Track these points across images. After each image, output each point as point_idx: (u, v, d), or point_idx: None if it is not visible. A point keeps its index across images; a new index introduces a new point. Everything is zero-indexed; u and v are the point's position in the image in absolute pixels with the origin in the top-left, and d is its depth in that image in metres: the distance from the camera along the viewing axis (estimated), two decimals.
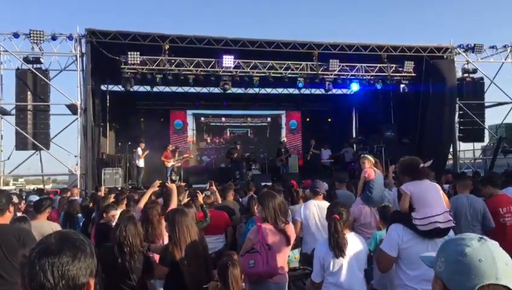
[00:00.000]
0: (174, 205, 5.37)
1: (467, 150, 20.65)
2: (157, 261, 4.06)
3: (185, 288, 3.80)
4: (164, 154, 16.01)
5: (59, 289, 1.40)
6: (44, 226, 5.13)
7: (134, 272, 3.86)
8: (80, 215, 8.06)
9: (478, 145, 20.86)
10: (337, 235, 3.62)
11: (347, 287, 3.62)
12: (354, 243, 3.72)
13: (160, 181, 6.32)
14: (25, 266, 1.45)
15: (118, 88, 18.83)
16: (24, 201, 9.42)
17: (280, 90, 22.15)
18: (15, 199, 7.70)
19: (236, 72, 15.95)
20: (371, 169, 6.07)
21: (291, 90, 21.84)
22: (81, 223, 7.87)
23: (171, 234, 3.93)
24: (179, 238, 3.87)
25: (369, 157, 6.39)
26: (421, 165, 3.62)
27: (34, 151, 15.13)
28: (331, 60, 16.12)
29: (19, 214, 7.08)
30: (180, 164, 16.58)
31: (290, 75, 16.50)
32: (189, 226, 3.97)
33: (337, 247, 3.60)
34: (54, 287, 1.39)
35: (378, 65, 16.75)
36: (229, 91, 17.14)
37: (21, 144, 14.71)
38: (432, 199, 3.51)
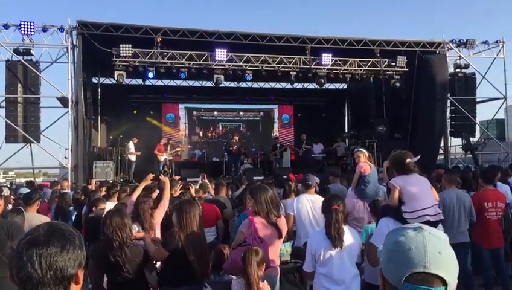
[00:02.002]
0: (166, 198, 5.36)
1: (458, 145, 20.80)
2: (160, 245, 4.07)
3: (183, 276, 3.82)
4: (157, 147, 15.95)
5: (47, 280, 1.38)
6: (34, 219, 5.10)
7: (127, 263, 3.85)
8: (71, 208, 8.01)
9: None
10: (337, 225, 3.65)
11: (337, 278, 3.65)
12: (347, 236, 3.74)
13: (154, 175, 6.31)
14: (12, 257, 1.43)
15: (110, 81, 18.70)
16: (14, 194, 9.35)
17: (273, 84, 22.12)
18: (5, 192, 7.67)
19: (229, 65, 15.88)
20: (366, 163, 6.07)
21: (284, 85, 21.83)
22: (73, 217, 7.82)
23: (178, 222, 3.95)
24: (185, 225, 3.90)
25: (364, 151, 6.40)
26: (408, 160, 3.63)
27: (24, 144, 15.00)
28: (323, 54, 16.09)
29: (10, 207, 7.05)
30: (172, 157, 16.53)
31: (282, 69, 16.47)
32: (196, 216, 4.02)
33: (338, 237, 3.62)
34: (42, 278, 1.38)
35: (371, 60, 16.76)
36: (221, 85, 17.08)
37: (11, 136, 14.59)
38: (421, 192, 3.53)
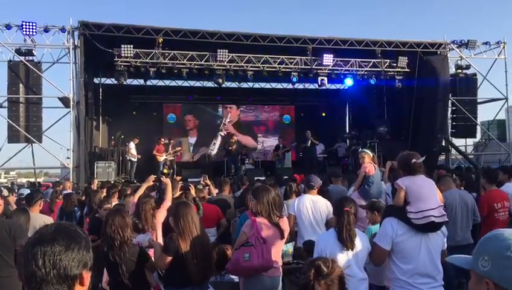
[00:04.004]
0: (169, 199, 5.38)
1: (459, 146, 20.84)
2: (161, 251, 4.07)
3: (186, 278, 3.81)
4: (156, 148, 15.90)
5: (49, 279, 1.39)
6: (37, 219, 5.11)
7: (124, 263, 3.87)
8: (76, 208, 8.00)
9: (470, 141, 21.05)
10: (349, 227, 3.63)
11: None
12: (357, 239, 3.72)
13: (155, 176, 6.33)
14: (20, 255, 1.45)
15: (111, 81, 18.71)
16: (16, 194, 9.36)
17: (274, 85, 22.13)
18: (5, 192, 7.68)
19: (230, 66, 15.88)
20: (370, 164, 6.07)
21: (285, 85, 21.83)
22: (77, 216, 7.81)
23: (176, 226, 3.95)
24: (183, 230, 3.89)
25: (368, 152, 6.41)
26: (413, 160, 3.64)
27: (26, 144, 15.05)
28: (325, 55, 16.09)
29: (13, 207, 7.05)
30: (173, 157, 16.51)
31: (284, 70, 16.47)
32: (194, 218, 4.00)
33: (350, 239, 3.61)
34: (45, 276, 1.38)
35: (372, 60, 16.75)
36: (222, 85, 17.09)
37: (13, 136, 14.63)
38: (427, 193, 3.53)
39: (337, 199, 4.41)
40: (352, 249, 3.62)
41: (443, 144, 17.41)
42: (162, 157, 15.81)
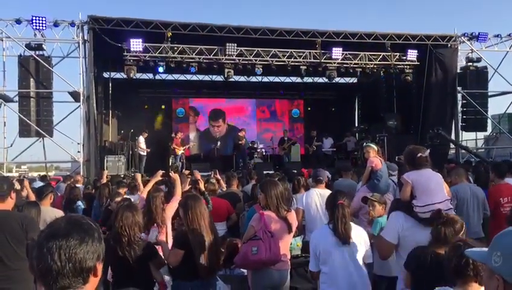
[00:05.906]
0: (178, 194, 5.40)
1: (470, 140, 20.63)
2: (172, 246, 4.09)
3: (194, 271, 3.84)
4: (175, 141, 16.16)
5: (66, 272, 1.42)
6: (48, 212, 5.16)
7: (134, 260, 3.90)
8: (79, 202, 8.08)
9: (481, 135, 20.83)
10: (344, 220, 3.60)
11: (339, 278, 3.58)
12: (354, 233, 3.70)
13: (163, 171, 6.37)
14: (33, 249, 1.48)
15: (121, 75, 18.80)
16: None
17: (283, 79, 22.08)
18: (17, 186, 7.76)
19: (239, 60, 15.87)
20: (376, 158, 6.05)
21: (294, 79, 21.77)
22: (80, 210, 7.86)
23: (185, 219, 3.97)
24: (191, 222, 3.91)
25: (373, 146, 6.38)
26: (419, 154, 3.63)
27: (37, 138, 15.17)
28: (334, 48, 16.02)
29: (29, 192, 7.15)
30: (182, 151, 16.68)
31: (292, 64, 16.43)
32: (203, 211, 4.01)
33: (345, 232, 3.58)
34: (61, 270, 1.42)
35: (382, 53, 16.65)
36: (231, 79, 17.09)
37: (24, 131, 14.75)
38: (433, 187, 3.53)
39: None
40: (348, 244, 3.57)
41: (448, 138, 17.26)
42: (180, 151, 16.02)
